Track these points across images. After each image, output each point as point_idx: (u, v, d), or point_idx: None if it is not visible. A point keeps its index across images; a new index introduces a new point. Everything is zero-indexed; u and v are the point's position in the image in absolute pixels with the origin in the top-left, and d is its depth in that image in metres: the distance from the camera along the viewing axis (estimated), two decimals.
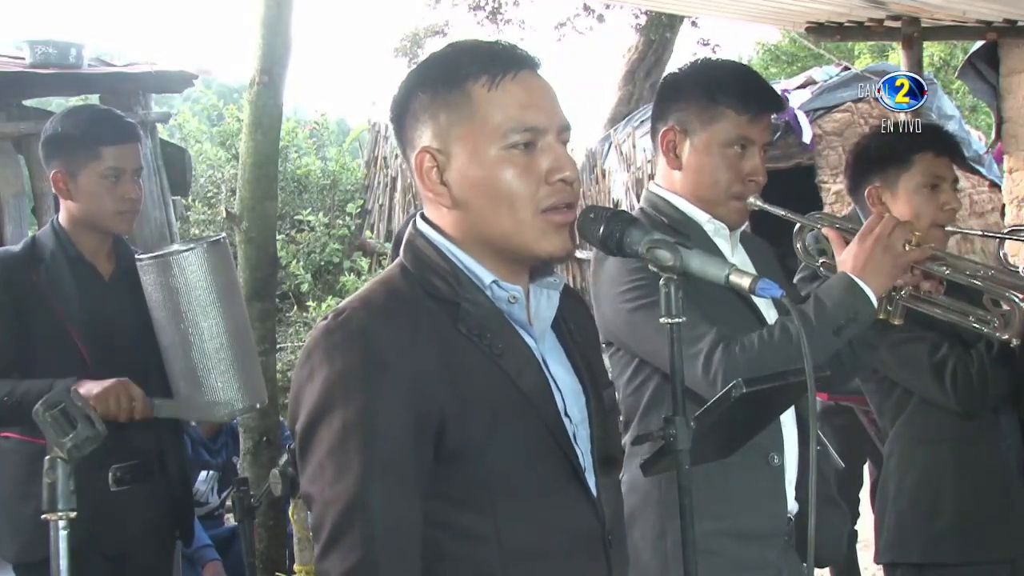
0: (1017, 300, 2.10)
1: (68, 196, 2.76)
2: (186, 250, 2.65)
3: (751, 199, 2.19)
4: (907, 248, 2.07)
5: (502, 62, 1.49)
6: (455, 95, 1.48)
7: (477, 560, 1.45)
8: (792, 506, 2.18)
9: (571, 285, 1.75)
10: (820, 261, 2.21)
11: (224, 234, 2.82)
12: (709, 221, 2.21)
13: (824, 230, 2.17)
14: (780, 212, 2.22)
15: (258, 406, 2.80)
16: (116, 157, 2.75)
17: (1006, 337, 2.14)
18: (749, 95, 2.18)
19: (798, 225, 2.31)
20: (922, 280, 2.12)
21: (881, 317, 2.10)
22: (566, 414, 1.52)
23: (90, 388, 2.58)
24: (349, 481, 1.39)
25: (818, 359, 1.82)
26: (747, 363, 1.98)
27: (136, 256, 2.71)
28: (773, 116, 2.21)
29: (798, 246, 2.30)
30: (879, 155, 2.60)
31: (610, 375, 2.29)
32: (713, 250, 2.16)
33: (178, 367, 2.68)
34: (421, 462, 1.42)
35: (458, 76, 1.48)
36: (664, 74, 2.47)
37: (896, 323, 2.13)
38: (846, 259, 2.06)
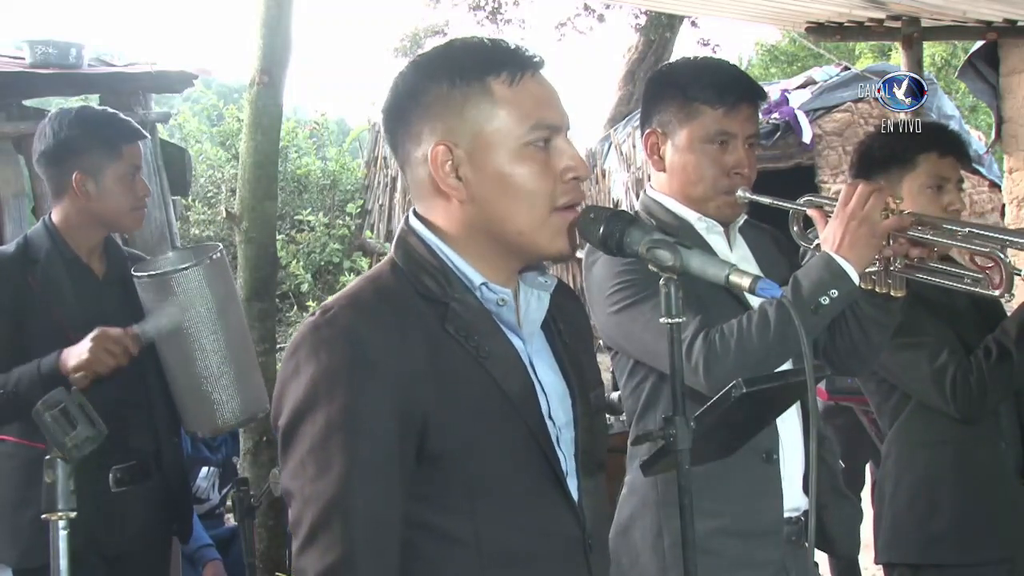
0: (999, 255, 2.08)
1: (88, 198, 2.74)
2: (185, 268, 2.63)
3: (740, 192, 2.19)
4: (885, 217, 2.03)
5: (520, 61, 1.49)
6: (475, 89, 1.47)
7: (455, 563, 1.44)
8: (797, 503, 2.17)
9: (570, 285, 1.75)
10: (814, 244, 2.20)
11: (221, 246, 2.81)
12: (699, 219, 2.21)
13: (809, 211, 2.15)
14: (767, 201, 2.21)
15: (259, 415, 2.81)
16: (133, 155, 2.79)
17: (996, 293, 2.12)
18: (722, 88, 2.17)
19: (792, 211, 2.30)
20: (910, 248, 2.09)
21: (882, 291, 2.08)
22: (550, 417, 1.51)
23: (77, 352, 2.55)
24: (330, 479, 1.38)
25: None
26: (725, 348, 1.98)
27: (133, 272, 2.69)
28: (762, 108, 2.19)
29: (794, 230, 2.30)
30: (883, 155, 2.58)
31: (616, 378, 2.29)
32: (706, 249, 2.15)
33: (182, 382, 2.69)
34: (403, 462, 1.41)
35: (478, 71, 1.47)
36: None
37: (898, 295, 2.10)
38: (827, 236, 2.04)
